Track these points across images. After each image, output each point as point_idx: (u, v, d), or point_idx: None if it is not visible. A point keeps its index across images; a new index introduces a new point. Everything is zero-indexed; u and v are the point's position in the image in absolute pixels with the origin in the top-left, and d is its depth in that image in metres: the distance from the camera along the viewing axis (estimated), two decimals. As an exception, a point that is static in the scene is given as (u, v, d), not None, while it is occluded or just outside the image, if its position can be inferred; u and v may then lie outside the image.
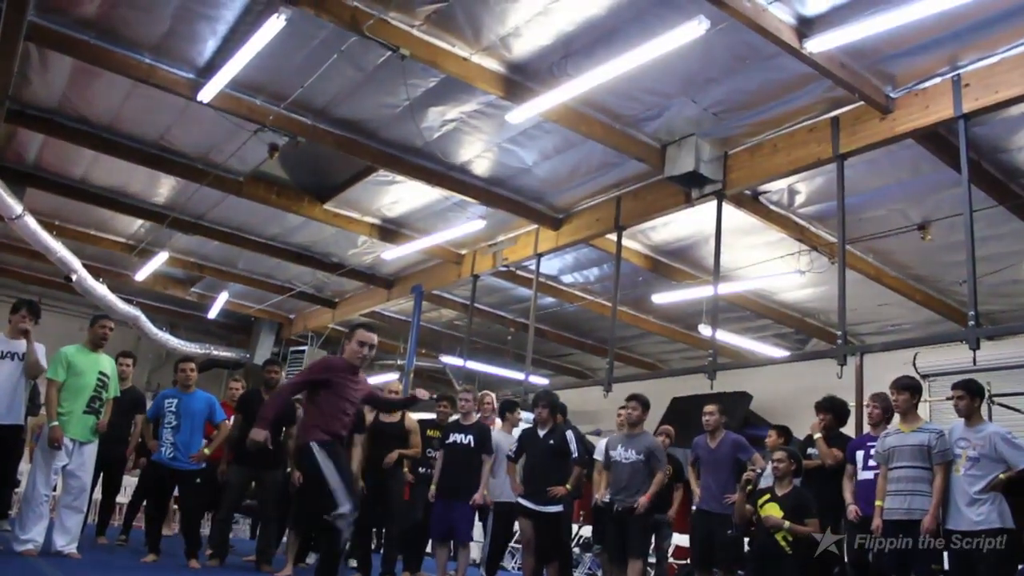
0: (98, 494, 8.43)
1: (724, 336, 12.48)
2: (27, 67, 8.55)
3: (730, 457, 7.03)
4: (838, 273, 7.90)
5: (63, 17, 7.68)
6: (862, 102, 7.29)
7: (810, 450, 7.14)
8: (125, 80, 8.58)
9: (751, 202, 9.38)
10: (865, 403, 6.91)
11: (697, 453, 7.23)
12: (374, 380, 15.00)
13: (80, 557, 6.46)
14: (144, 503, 8.07)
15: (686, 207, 9.34)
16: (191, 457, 7.18)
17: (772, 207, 9.56)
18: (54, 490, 6.85)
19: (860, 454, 6.57)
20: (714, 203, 9.03)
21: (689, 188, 8.95)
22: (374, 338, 5.68)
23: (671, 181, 8.83)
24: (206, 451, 7.30)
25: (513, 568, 10.76)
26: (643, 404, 7.07)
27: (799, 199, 9.41)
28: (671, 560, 9.73)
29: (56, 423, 6.46)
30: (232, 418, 7.79)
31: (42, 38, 7.83)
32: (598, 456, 8.34)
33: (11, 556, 6.12)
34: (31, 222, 10.64)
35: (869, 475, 6.39)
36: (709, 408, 7.15)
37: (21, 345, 6.56)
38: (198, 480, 7.42)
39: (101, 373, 6.83)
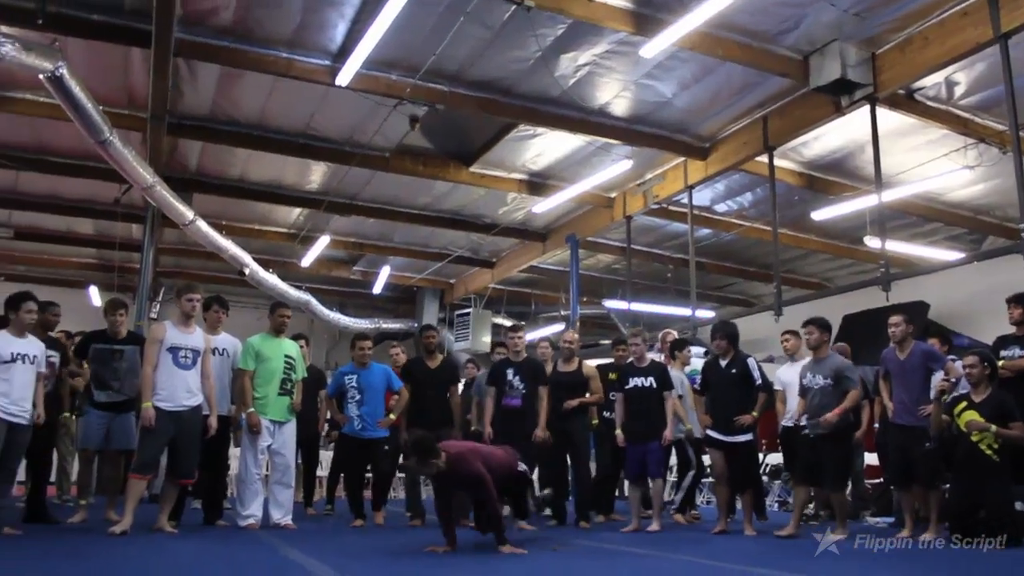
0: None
1: (893, 245, 11.96)
2: (179, 81, 9.07)
3: (921, 368, 6.70)
4: (1014, 162, 7.45)
5: (204, 28, 8.12)
6: (1023, -30, 6.79)
7: (1003, 352, 6.78)
8: (267, 77, 8.98)
9: (906, 101, 8.93)
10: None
11: (887, 367, 6.94)
12: (541, 333, 15.18)
13: (296, 527, 6.89)
14: (342, 474, 8.55)
15: (837, 117, 9.01)
16: (379, 423, 7.53)
17: (930, 103, 9.08)
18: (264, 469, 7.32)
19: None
20: (866, 108, 8.67)
21: (838, 96, 8.61)
22: None
23: (818, 92, 8.53)
24: (392, 416, 7.62)
25: (702, 503, 10.75)
26: (820, 326, 6.84)
27: (959, 90, 8.89)
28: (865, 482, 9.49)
29: (252, 409, 6.89)
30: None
31: (188, 52, 8.30)
32: (777, 387, 8.21)
33: (237, 530, 6.62)
34: (203, 225, 11.27)
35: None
36: (895, 319, 6.80)
37: (222, 340, 7.02)
38: (386, 447, 7.78)
39: (287, 356, 7.20)
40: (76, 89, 7.44)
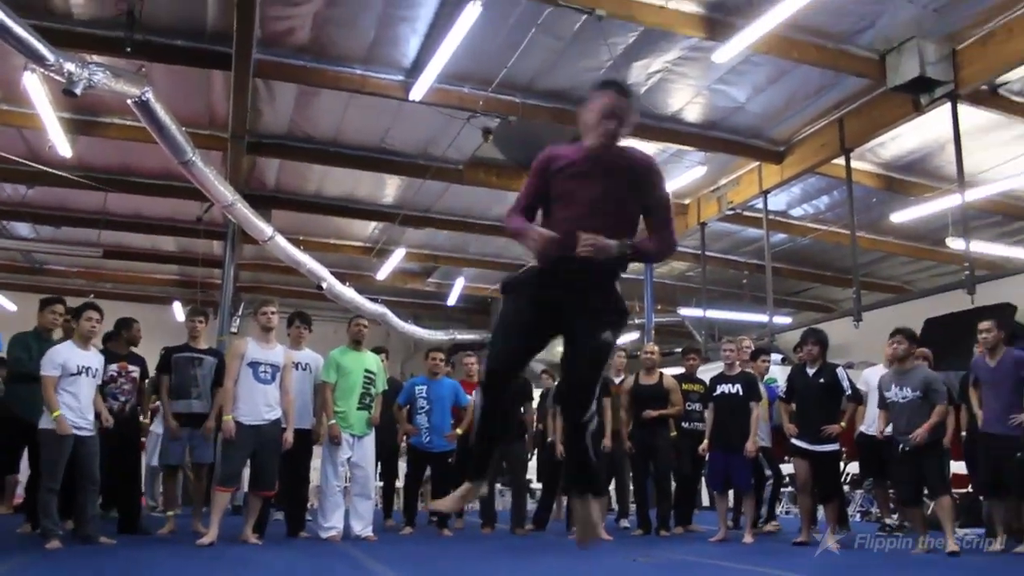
0: (378, 481, 9.00)
1: (977, 246, 11.60)
2: (257, 100, 9.28)
3: (1013, 375, 6.44)
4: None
5: (281, 48, 8.32)
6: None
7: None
8: (342, 94, 9.14)
9: (990, 97, 8.68)
10: None
11: (977, 374, 6.72)
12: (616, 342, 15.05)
13: (376, 539, 6.95)
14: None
15: (916, 116, 8.79)
16: (445, 436, 7.68)
17: (1015, 98, 8.82)
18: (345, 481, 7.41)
19: None
20: (947, 106, 8.43)
21: (917, 95, 8.40)
22: None
23: (896, 91, 8.33)
24: (458, 431, 7.69)
25: (780, 513, 10.55)
26: (908, 337, 6.63)
27: (1047, 84, 8.59)
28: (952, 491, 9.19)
29: (334, 421, 6.99)
30: (474, 395, 8.05)
31: (267, 72, 8.51)
32: (862, 387, 8.01)
33: (319, 542, 6.71)
34: (281, 241, 11.48)
35: None
36: (985, 325, 6.56)
37: (305, 355, 7.14)
38: (449, 460, 7.85)
39: (367, 371, 7.27)
40: (161, 112, 7.67)
